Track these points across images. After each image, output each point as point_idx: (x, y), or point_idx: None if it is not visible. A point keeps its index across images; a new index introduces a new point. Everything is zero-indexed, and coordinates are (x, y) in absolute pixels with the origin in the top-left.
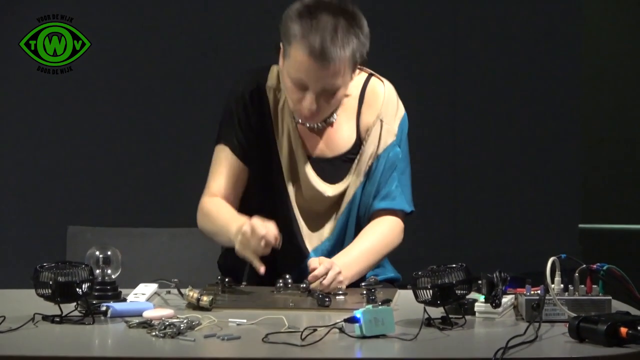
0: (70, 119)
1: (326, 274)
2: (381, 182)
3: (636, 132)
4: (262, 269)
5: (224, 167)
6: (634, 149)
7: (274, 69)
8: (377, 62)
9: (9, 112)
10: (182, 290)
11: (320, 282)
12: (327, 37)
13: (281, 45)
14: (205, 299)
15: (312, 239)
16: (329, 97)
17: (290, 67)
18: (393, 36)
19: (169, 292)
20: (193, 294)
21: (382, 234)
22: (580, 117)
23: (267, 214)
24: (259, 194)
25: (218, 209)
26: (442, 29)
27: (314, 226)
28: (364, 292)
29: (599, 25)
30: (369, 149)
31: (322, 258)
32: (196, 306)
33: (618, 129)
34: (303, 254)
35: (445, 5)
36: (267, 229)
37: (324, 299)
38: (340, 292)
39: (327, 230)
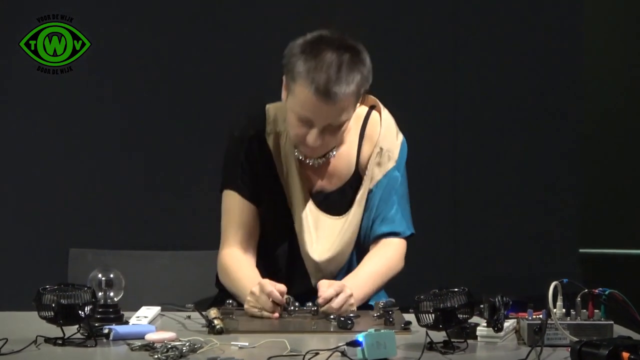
0: (70, 120)
1: (336, 296)
2: (380, 206)
3: (637, 156)
4: (274, 316)
5: (236, 214)
6: (634, 174)
7: (269, 112)
8: (375, 65)
9: (9, 112)
10: (204, 313)
11: (330, 305)
12: (332, 75)
13: (284, 79)
14: (219, 322)
15: (318, 278)
16: (333, 131)
17: (295, 104)
18: (392, 38)
19: (188, 317)
20: (216, 318)
21: (386, 258)
22: (580, 144)
23: (275, 255)
24: (267, 234)
25: (238, 268)
26: (442, 29)
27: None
28: (377, 314)
29: (601, 31)
30: (369, 176)
31: (332, 281)
32: (214, 330)
33: (618, 154)
34: (313, 292)
35: (445, 5)
36: (277, 288)
37: (346, 321)
38: (352, 315)
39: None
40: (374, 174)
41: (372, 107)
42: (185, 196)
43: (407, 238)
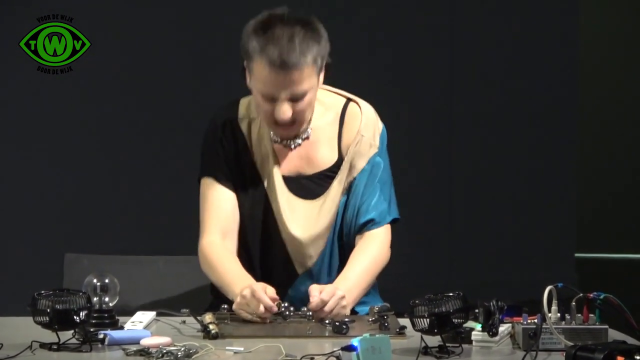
0: (69, 121)
1: (328, 301)
2: (364, 194)
3: (632, 161)
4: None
5: (214, 200)
6: (630, 177)
7: (243, 102)
8: (373, 65)
9: (9, 112)
10: (199, 318)
11: (323, 309)
12: (284, 46)
13: (244, 64)
14: (214, 327)
15: (300, 261)
16: (299, 102)
17: (255, 82)
18: (389, 39)
19: (183, 322)
20: (211, 323)
21: (371, 254)
22: (576, 149)
23: (254, 241)
24: (245, 220)
25: (221, 261)
26: (439, 30)
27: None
28: (373, 319)
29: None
30: (349, 162)
31: (323, 285)
32: (209, 334)
33: (614, 159)
34: (293, 277)
35: (443, 6)
36: (267, 294)
37: (341, 326)
38: (347, 319)
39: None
40: (357, 163)
41: (349, 100)
42: (180, 201)
43: (392, 223)
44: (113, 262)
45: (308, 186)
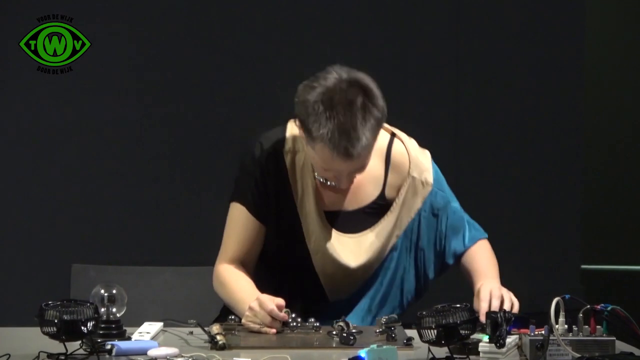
0: (70, 123)
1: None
2: (448, 235)
3: (639, 174)
4: (272, 331)
5: (239, 227)
6: (638, 188)
7: (289, 131)
8: (375, 65)
9: (9, 113)
10: (206, 328)
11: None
12: (350, 136)
13: (299, 123)
14: (221, 338)
15: (333, 293)
16: (358, 171)
17: (318, 158)
18: (394, 37)
19: (191, 333)
20: (219, 333)
21: (486, 251)
22: (582, 160)
23: (287, 273)
24: (278, 255)
25: (235, 280)
26: (444, 29)
27: (338, 287)
28: (380, 330)
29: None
30: (401, 203)
31: (485, 292)
32: (216, 345)
33: (621, 170)
34: (323, 309)
35: (448, 8)
36: (275, 303)
37: (348, 337)
38: (354, 330)
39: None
40: (412, 203)
41: (392, 135)
42: (188, 211)
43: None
44: (120, 273)
45: (350, 221)
